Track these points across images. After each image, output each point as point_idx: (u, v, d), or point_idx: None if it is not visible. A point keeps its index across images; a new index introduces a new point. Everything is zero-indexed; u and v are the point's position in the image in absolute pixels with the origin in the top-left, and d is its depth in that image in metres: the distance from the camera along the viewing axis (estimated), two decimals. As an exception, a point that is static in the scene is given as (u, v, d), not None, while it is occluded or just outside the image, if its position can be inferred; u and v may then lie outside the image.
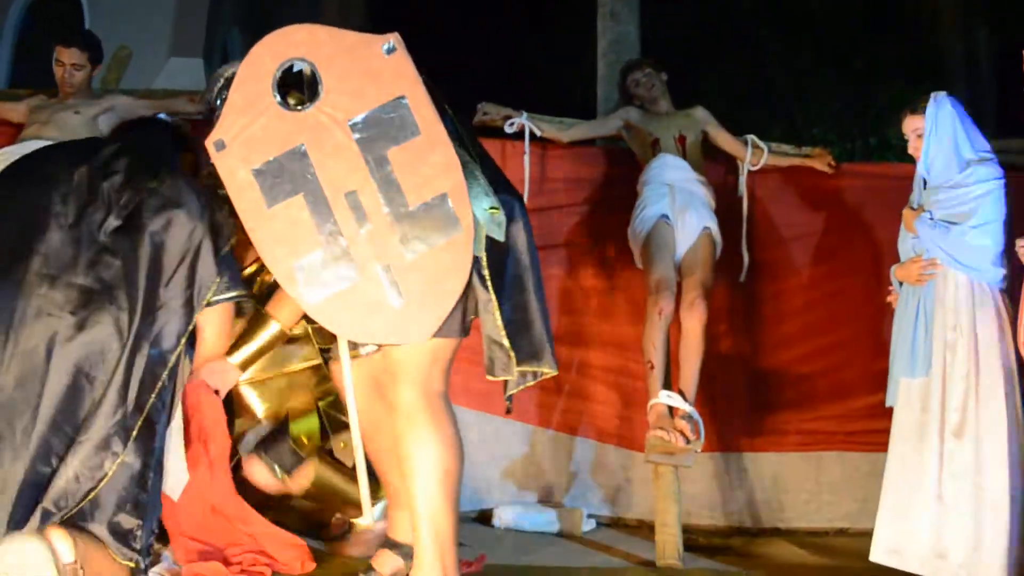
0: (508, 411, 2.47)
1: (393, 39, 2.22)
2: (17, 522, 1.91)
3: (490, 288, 2.23)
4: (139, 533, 2.03)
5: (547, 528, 3.68)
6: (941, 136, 3.05)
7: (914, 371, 3.00)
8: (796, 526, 3.93)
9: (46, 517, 1.95)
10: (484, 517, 3.80)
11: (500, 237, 2.25)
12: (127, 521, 2.03)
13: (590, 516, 3.80)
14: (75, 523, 1.99)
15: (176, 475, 2.30)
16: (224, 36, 9.27)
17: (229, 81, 2.31)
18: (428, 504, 2.19)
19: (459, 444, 2.25)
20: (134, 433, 2.04)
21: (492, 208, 2.23)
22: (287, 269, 2.18)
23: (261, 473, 2.81)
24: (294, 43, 2.22)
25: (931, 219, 3.05)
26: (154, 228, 2.16)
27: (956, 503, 2.85)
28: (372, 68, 2.20)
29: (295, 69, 2.24)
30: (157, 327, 2.12)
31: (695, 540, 3.61)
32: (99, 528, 2.01)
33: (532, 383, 2.36)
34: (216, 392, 2.55)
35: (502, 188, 2.35)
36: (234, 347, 2.60)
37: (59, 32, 4.12)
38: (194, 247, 2.18)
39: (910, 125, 3.17)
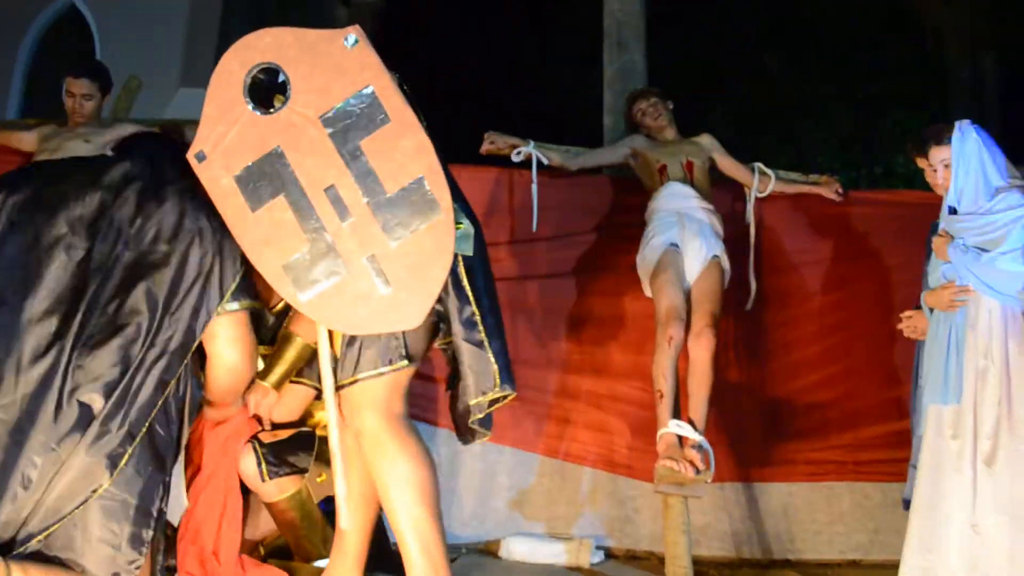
0: (476, 436, 2.42)
1: (354, 31, 2.24)
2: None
3: (471, 298, 2.25)
4: (133, 569, 1.99)
5: (555, 560, 3.63)
6: (968, 165, 3.05)
7: (945, 398, 2.96)
8: (807, 557, 3.88)
9: (21, 543, 1.92)
10: (491, 548, 3.76)
11: (469, 251, 2.28)
12: (121, 558, 1.99)
13: (598, 547, 3.75)
14: (45, 553, 1.95)
15: (175, 501, 2.28)
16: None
17: None
18: (410, 520, 2.18)
19: (429, 459, 2.25)
20: (122, 462, 2.00)
21: (457, 224, 2.24)
22: (276, 270, 2.19)
23: (248, 463, 2.73)
24: (260, 48, 2.24)
25: (964, 246, 3.04)
26: (164, 258, 2.13)
27: (992, 534, 2.80)
28: (336, 63, 2.22)
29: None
30: (160, 358, 2.09)
31: (705, 571, 3.56)
32: (88, 564, 1.97)
33: (490, 410, 2.34)
34: (259, 420, 2.57)
35: (462, 204, 2.35)
36: (266, 370, 2.63)
37: (69, 62, 4.15)
38: (204, 273, 2.16)
39: (936, 156, 3.16)
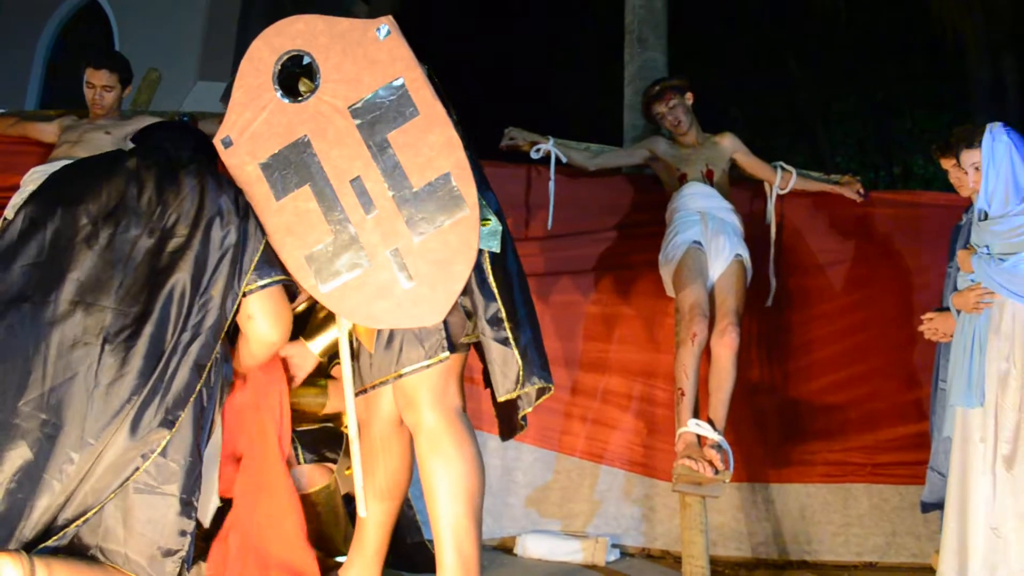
0: (522, 427, 2.40)
1: (387, 22, 2.22)
2: (24, 542, 1.89)
3: (497, 295, 2.21)
4: (176, 560, 1.99)
5: (570, 557, 3.62)
6: (999, 168, 3.04)
7: (970, 401, 2.96)
8: (823, 559, 3.85)
9: (55, 531, 1.92)
10: (506, 545, 3.75)
11: (496, 248, 2.25)
12: (164, 547, 1.98)
13: (614, 546, 3.74)
14: (79, 543, 1.94)
15: (206, 499, 2.26)
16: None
17: None
18: (453, 526, 2.16)
19: (481, 464, 2.23)
20: (159, 450, 1.99)
21: (484, 220, 2.22)
22: (298, 260, 2.18)
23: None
24: (291, 35, 2.23)
25: (987, 253, 3.02)
26: (187, 241, 2.11)
27: (1011, 539, 2.80)
28: (368, 53, 2.20)
29: (292, 62, 2.24)
30: (192, 342, 2.07)
31: (721, 571, 3.54)
32: (130, 552, 1.97)
33: (539, 403, 2.31)
34: (291, 380, 2.53)
35: (491, 201, 2.32)
36: (312, 333, 2.60)
37: (89, 54, 4.15)
38: (228, 251, 2.13)
39: (967, 159, 3.15)
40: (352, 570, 2.47)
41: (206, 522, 2.33)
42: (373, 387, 2.30)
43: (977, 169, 3.11)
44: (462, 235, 2.14)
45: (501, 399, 2.24)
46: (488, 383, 2.33)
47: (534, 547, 3.65)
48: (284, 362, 2.59)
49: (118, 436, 1.96)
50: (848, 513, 3.92)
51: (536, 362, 2.24)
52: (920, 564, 3.71)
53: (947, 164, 3.32)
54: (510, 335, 2.21)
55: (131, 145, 2.98)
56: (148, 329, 2.03)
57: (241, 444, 2.47)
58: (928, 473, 3.33)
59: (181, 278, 2.08)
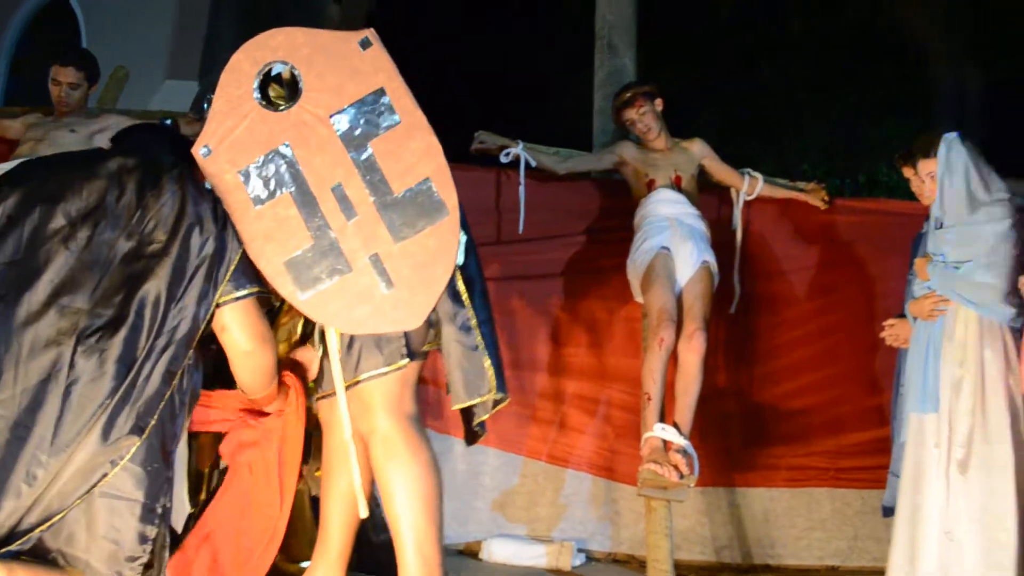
0: (480, 433, 2.45)
1: (368, 34, 2.26)
2: None
3: (466, 302, 2.25)
4: (137, 567, 1.97)
5: (535, 562, 3.63)
6: (955, 177, 3.09)
7: (924, 407, 3.01)
8: (787, 563, 3.90)
9: (20, 536, 1.89)
10: (472, 550, 3.75)
11: (462, 259, 2.27)
12: (125, 553, 1.96)
13: (580, 550, 3.76)
14: (42, 547, 1.92)
15: (178, 507, 2.25)
16: (221, 61, 9.29)
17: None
18: (413, 528, 2.17)
19: (437, 468, 2.25)
20: (128, 453, 1.98)
21: None
22: (276, 266, 2.18)
23: None
24: (272, 47, 2.25)
25: (942, 261, 3.07)
26: (165, 248, 2.09)
27: (965, 541, 2.85)
28: (350, 64, 2.23)
29: (274, 72, 2.26)
30: (165, 349, 2.06)
31: (685, 576, 3.58)
32: (91, 559, 1.94)
33: (495, 411, 2.35)
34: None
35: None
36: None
37: (56, 51, 4.10)
38: (206, 260, 2.11)
39: (924, 168, 3.21)
40: (317, 574, 2.46)
41: (177, 528, 2.31)
42: (330, 394, 2.31)
43: (933, 178, 3.16)
44: (442, 239, 2.17)
45: (458, 407, 2.27)
46: (450, 389, 2.34)
47: (500, 551, 3.66)
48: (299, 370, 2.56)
49: (88, 440, 1.93)
50: (811, 517, 3.97)
51: (500, 371, 2.29)
52: (881, 568, 3.71)
53: (908, 173, 3.38)
54: (480, 342, 2.25)
55: (99, 144, 2.92)
56: (122, 333, 2.01)
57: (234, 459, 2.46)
58: (889, 477, 3.37)
59: (157, 284, 2.06)
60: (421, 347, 2.30)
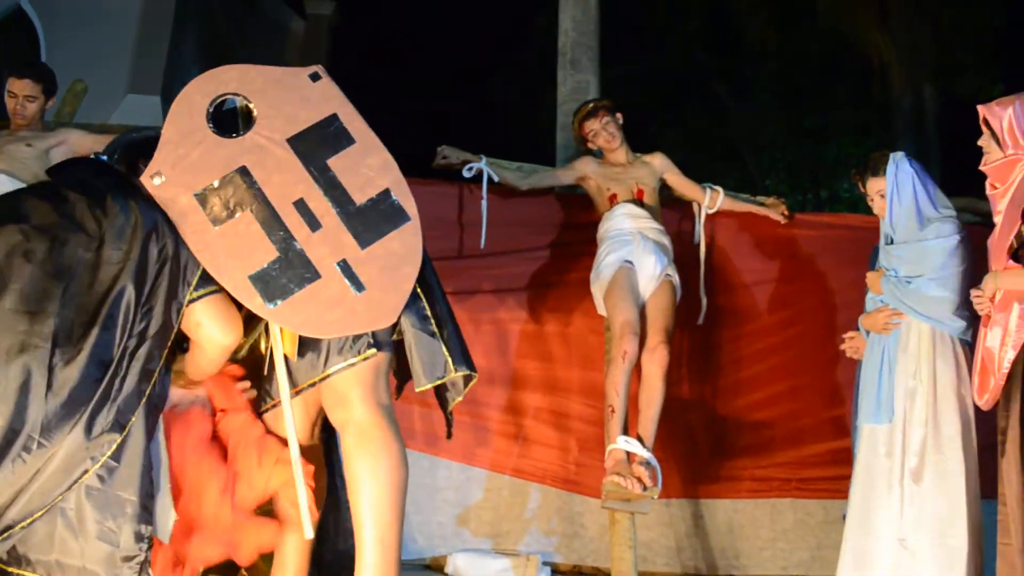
0: (449, 434, 2.55)
1: (317, 69, 2.37)
2: None
3: (419, 291, 2.32)
4: (134, 566, 1.96)
5: (501, 576, 3.62)
6: (903, 195, 3.18)
7: (879, 417, 3.06)
8: (751, 573, 3.92)
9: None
10: (437, 564, 3.73)
11: None
12: (121, 553, 1.97)
13: (545, 563, 3.75)
14: (19, 551, 1.92)
15: (164, 513, 2.23)
16: (183, 76, 9.24)
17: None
18: (375, 515, 2.18)
19: (406, 463, 2.27)
20: (110, 450, 1.97)
21: None
22: (241, 281, 2.18)
23: None
24: (224, 81, 2.32)
25: (895, 276, 3.13)
26: (125, 255, 2.12)
27: (918, 549, 2.90)
28: (302, 94, 2.33)
29: (226, 107, 2.33)
30: (139, 348, 2.09)
31: (650, 588, 3.58)
32: (87, 563, 1.94)
33: (464, 393, 2.42)
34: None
35: None
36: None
37: (12, 64, 4.05)
38: (167, 261, 2.15)
39: (873, 186, 3.28)
40: None
41: (166, 538, 2.28)
42: (300, 391, 2.33)
43: (883, 196, 3.24)
44: (407, 241, 2.25)
45: (421, 388, 2.32)
46: (402, 380, 2.45)
47: (465, 566, 3.64)
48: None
49: (70, 438, 1.95)
50: (774, 528, 4.00)
51: (459, 351, 2.36)
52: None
53: (862, 188, 3.44)
54: (436, 329, 2.33)
55: (55, 158, 2.91)
56: (97, 334, 2.03)
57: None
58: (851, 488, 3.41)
59: (126, 286, 2.09)
60: (389, 338, 2.35)
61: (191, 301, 2.18)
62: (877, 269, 3.26)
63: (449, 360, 2.32)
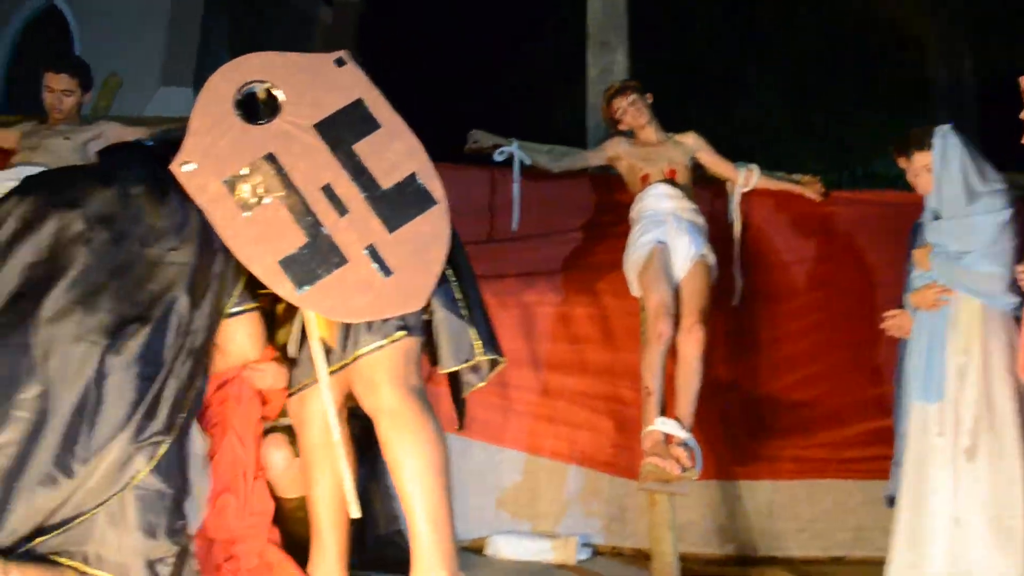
0: (461, 425, 2.57)
1: (342, 54, 2.38)
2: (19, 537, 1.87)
3: (449, 274, 2.33)
4: (169, 561, 1.99)
5: (541, 557, 3.62)
6: (951, 170, 3.11)
7: (928, 396, 3.01)
8: (792, 554, 3.89)
9: (48, 531, 1.92)
10: (477, 546, 3.74)
11: None
12: (158, 547, 1.99)
13: (585, 545, 3.75)
14: (63, 548, 1.94)
15: (198, 504, 2.27)
16: (213, 67, 9.29)
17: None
18: (424, 498, 2.18)
19: (444, 441, 2.28)
20: (160, 451, 2.00)
21: None
22: (271, 267, 2.20)
23: (275, 453, 2.73)
24: (249, 69, 2.33)
25: (944, 252, 3.09)
26: (179, 255, 2.16)
27: (972, 528, 2.86)
28: (327, 80, 2.34)
29: (252, 93, 2.33)
30: (188, 347, 2.12)
31: (691, 568, 3.56)
32: (125, 557, 1.96)
33: (488, 379, 2.44)
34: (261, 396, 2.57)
35: None
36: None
37: (49, 59, 4.10)
38: (219, 267, 2.20)
39: (919, 161, 3.22)
40: (317, 574, 2.46)
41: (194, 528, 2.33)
42: (332, 372, 2.33)
43: (929, 170, 3.17)
44: (434, 224, 2.26)
45: (447, 370, 2.35)
46: (434, 362, 2.43)
47: (505, 548, 3.66)
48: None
49: (122, 438, 1.98)
50: (814, 508, 3.96)
51: (487, 335, 2.38)
52: (887, 558, 3.76)
53: (903, 164, 3.38)
54: (465, 311, 2.36)
55: (92, 151, 2.96)
56: (148, 334, 2.06)
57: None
58: (892, 467, 3.36)
59: (180, 288, 2.13)
60: (419, 323, 2.35)
61: (231, 315, 2.24)
62: (924, 245, 3.20)
63: (476, 343, 2.33)
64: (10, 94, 9.37)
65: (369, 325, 2.28)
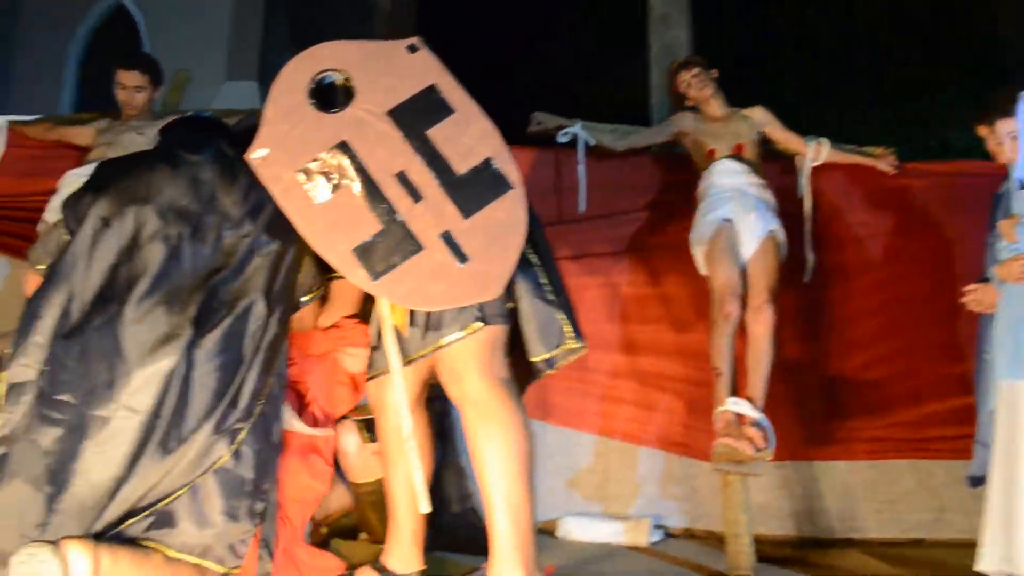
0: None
1: (415, 40, 2.36)
2: (104, 528, 1.93)
3: (532, 259, 2.31)
4: (246, 543, 2.03)
5: (613, 539, 3.61)
6: None
7: (1017, 373, 2.90)
8: (869, 536, 3.80)
9: (127, 517, 1.97)
10: (548, 528, 3.75)
11: None
12: (237, 529, 2.04)
13: (657, 527, 3.73)
14: (141, 534, 1.99)
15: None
16: (277, 60, 9.45)
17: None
18: (506, 493, 2.15)
19: (530, 433, 2.25)
20: (240, 437, 2.05)
21: None
22: (345, 255, 2.20)
23: (349, 438, 2.79)
24: (322, 57, 2.33)
25: None
26: (253, 244, 2.19)
27: None
28: (400, 66, 2.32)
29: (325, 82, 2.34)
30: (267, 336, 2.15)
31: (764, 551, 3.49)
32: (204, 537, 2.01)
33: (570, 360, 2.39)
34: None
35: None
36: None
37: (119, 57, 4.20)
38: (293, 253, 2.22)
39: (1002, 128, 3.11)
40: (392, 555, 2.49)
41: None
42: (410, 362, 2.33)
43: (1014, 138, 3.04)
44: (511, 210, 2.22)
45: (537, 359, 2.31)
46: (510, 351, 2.39)
47: (576, 529, 3.66)
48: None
49: (206, 428, 2.02)
50: (893, 490, 3.87)
51: (572, 323, 2.34)
52: (969, 540, 3.60)
53: (983, 132, 3.26)
54: (552, 296, 2.32)
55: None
56: (230, 324, 2.10)
57: None
58: (975, 447, 3.25)
59: (256, 277, 2.17)
60: (500, 310, 2.31)
61: (303, 303, 2.31)
62: (1010, 216, 3.08)
63: (567, 328, 2.29)
64: (83, 93, 9.66)
65: (449, 315, 2.25)
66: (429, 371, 2.42)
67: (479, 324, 2.23)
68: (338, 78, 2.33)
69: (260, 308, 2.15)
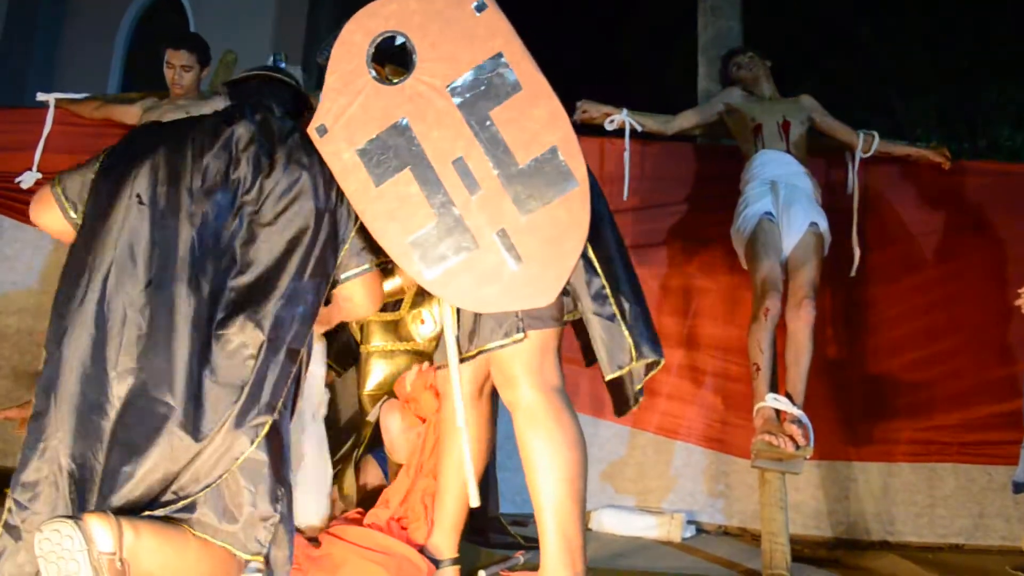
0: (637, 401, 2.36)
1: None
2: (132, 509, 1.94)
3: (599, 270, 2.19)
4: (270, 527, 2.03)
5: (646, 533, 3.59)
6: None
7: None
8: (906, 540, 3.75)
9: (150, 506, 1.96)
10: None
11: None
12: (257, 514, 2.02)
13: (690, 522, 3.70)
14: (171, 515, 1.98)
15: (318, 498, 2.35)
16: (323, 40, 9.49)
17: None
18: (555, 507, 2.12)
19: (583, 441, 2.19)
20: (263, 431, 2.03)
21: None
22: (401, 246, 2.13)
23: (394, 418, 2.83)
24: (384, 16, 2.18)
25: None
26: (282, 223, 2.13)
27: None
28: (465, 29, 2.14)
29: (388, 43, 2.19)
30: (292, 324, 2.10)
31: (799, 551, 3.45)
32: (220, 521, 2.00)
33: (649, 377, 2.30)
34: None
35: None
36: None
37: (167, 38, 4.23)
38: (323, 237, 2.15)
39: None
40: (433, 539, 2.50)
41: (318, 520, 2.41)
42: (464, 359, 2.29)
43: None
44: (572, 210, 2.06)
45: (610, 378, 2.20)
46: (589, 362, 2.35)
47: (609, 522, 3.64)
48: None
49: (228, 423, 2.00)
50: (933, 494, 3.80)
51: (645, 335, 2.21)
52: (1010, 547, 3.58)
53: None
54: (616, 310, 2.18)
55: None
56: (253, 315, 2.06)
57: None
58: (1021, 453, 3.19)
59: (285, 258, 2.11)
60: (559, 316, 2.25)
61: (348, 278, 2.22)
62: None
63: (632, 348, 2.16)
64: (131, 77, 9.78)
65: (495, 320, 2.19)
66: (486, 368, 2.39)
67: (520, 335, 2.17)
68: (397, 40, 2.17)
69: (278, 287, 2.10)
